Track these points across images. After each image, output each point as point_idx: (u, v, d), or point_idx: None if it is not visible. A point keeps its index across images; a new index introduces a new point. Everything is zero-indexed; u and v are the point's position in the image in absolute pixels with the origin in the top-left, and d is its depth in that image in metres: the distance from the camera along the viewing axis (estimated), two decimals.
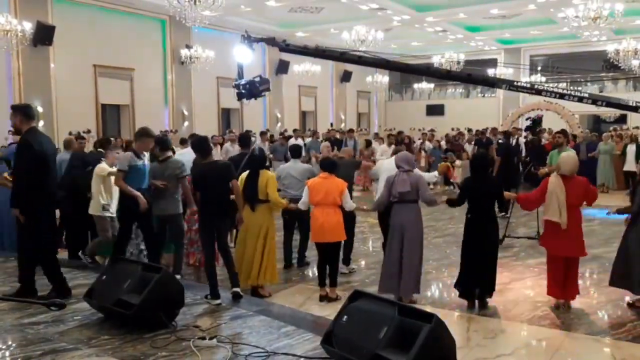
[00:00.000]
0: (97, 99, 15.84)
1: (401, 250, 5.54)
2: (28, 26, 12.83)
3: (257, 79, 6.65)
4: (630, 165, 13.20)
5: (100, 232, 6.42)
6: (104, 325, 4.50)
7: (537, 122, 19.37)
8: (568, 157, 5.61)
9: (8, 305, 4.90)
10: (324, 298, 5.75)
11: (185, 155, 7.53)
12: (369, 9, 17.46)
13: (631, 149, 13.53)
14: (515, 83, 6.04)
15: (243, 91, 6.65)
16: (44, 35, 13.87)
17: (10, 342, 4.18)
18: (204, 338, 4.19)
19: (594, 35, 20.25)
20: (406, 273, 5.50)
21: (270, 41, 6.29)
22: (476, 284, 5.47)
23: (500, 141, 12.83)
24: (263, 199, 5.73)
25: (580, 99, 5.57)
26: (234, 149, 12.16)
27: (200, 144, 5.68)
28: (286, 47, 6.36)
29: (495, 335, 4.85)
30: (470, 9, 18.06)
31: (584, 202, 5.47)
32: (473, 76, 6.19)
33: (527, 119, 20.11)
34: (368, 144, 14.08)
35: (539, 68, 25.15)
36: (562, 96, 5.60)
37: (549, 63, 26.58)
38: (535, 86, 6.10)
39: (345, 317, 3.80)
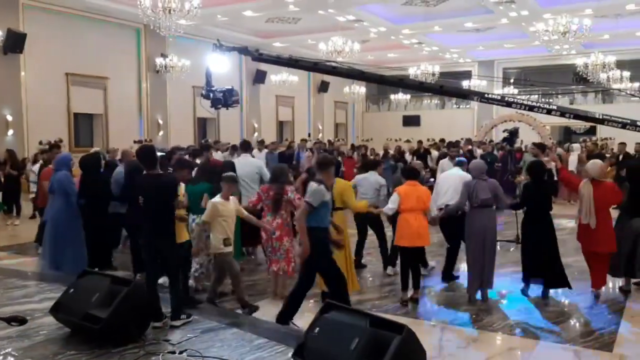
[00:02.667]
0: (70, 107, 15.60)
1: (483, 251, 5.94)
2: None
3: (231, 89, 6.64)
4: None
5: (228, 271, 5.59)
6: (70, 340, 4.39)
7: (514, 133, 19.75)
8: (593, 164, 6.27)
9: None
10: (407, 302, 5.88)
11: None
12: (346, 21, 17.61)
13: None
14: (486, 95, 6.16)
15: (219, 97, 6.57)
16: (14, 42, 13.64)
17: None
18: (173, 352, 4.12)
19: (564, 49, 20.77)
20: (488, 269, 5.98)
21: (243, 50, 6.24)
22: (548, 273, 6.00)
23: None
24: (339, 206, 5.74)
25: (549, 111, 5.71)
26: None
27: (147, 154, 5.14)
28: (259, 57, 6.32)
29: (468, 344, 4.86)
30: (445, 22, 18.35)
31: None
32: (445, 88, 6.31)
33: (504, 131, 20.45)
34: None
35: (512, 81, 25.62)
36: (531, 108, 5.73)
37: (521, 76, 27.11)
38: (506, 98, 6.23)
39: (317, 329, 3.78)
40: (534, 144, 12.30)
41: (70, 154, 8.74)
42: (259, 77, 21.76)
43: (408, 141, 22.09)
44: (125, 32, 17.12)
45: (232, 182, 5.62)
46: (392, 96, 28.50)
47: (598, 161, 6.45)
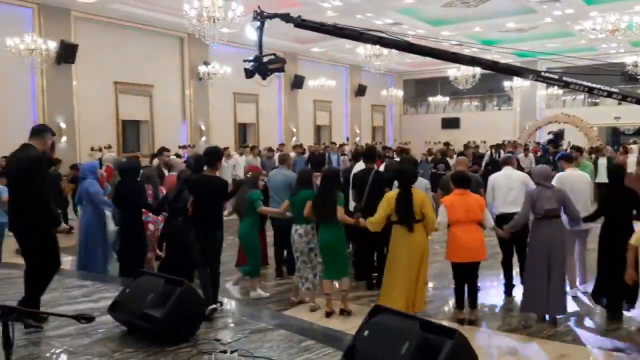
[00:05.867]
0: (118, 115, 16.13)
1: (548, 268, 5.35)
2: (52, 45, 13.17)
3: (272, 57, 6.27)
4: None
5: None
6: (127, 339, 4.55)
7: (559, 135, 19.23)
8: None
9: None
10: (462, 321, 5.44)
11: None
12: (383, 24, 17.60)
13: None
14: (542, 73, 5.73)
15: (250, 68, 6.18)
16: (67, 53, 14.22)
17: (37, 355, 4.26)
18: (225, 352, 4.21)
19: (612, 48, 20.14)
20: (556, 290, 5.33)
21: (285, 17, 6.11)
22: (621, 291, 5.35)
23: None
24: (418, 218, 5.36)
25: (610, 94, 5.30)
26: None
27: (213, 153, 5.40)
28: (302, 23, 6.12)
29: (517, 351, 4.81)
30: (486, 23, 18.10)
31: None
32: (499, 64, 5.97)
33: (548, 133, 19.99)
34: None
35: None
36: (590, 90, 5.39)
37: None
38: (564, 78, 5.68)
39: (367, 332, 3.80)
40: (573, 146, 11.79)
41: (97, 162, 8.89)
42: (297, 83, 21.95)
43: (448, 144, 21.85)
44: (169, 41, 17.60)
45: None
46: (431, 99, 28.25)
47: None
